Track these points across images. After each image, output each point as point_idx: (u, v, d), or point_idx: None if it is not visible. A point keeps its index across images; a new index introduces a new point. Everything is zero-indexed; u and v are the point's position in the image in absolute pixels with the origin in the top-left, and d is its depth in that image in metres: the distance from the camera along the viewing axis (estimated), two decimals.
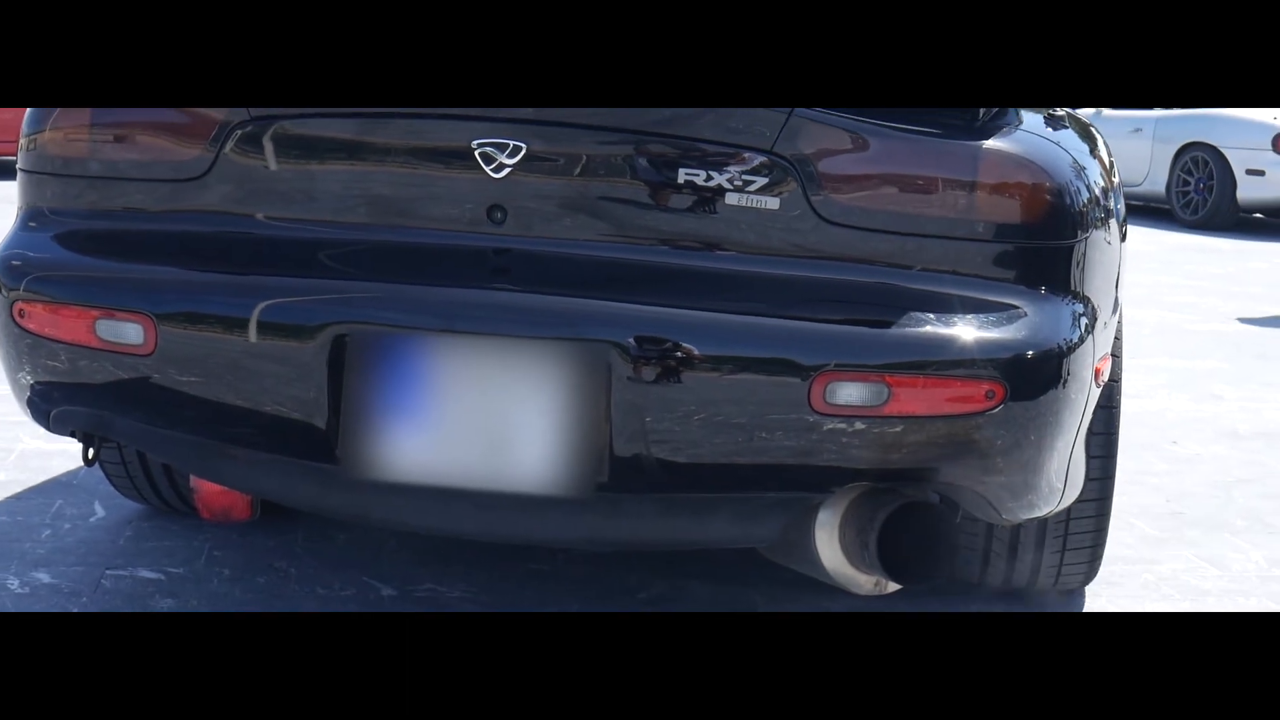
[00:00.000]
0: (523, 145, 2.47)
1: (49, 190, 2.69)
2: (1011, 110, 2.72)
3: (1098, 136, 3.09)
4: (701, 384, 2.43)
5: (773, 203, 2.47)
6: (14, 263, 2.64)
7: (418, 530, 2.93)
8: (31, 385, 2.70)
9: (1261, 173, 11.82)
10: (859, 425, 2.42)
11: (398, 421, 2.49)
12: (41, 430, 4.08)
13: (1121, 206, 2.99)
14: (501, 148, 2.47)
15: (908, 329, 2.43)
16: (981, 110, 2.57)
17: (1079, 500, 2.92)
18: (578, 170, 2.50)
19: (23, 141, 2.70)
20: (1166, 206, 12.56)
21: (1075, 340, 2.53)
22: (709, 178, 2.47)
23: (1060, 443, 2.57)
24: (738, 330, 2.43)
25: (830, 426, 2.42)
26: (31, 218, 2.71)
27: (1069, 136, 2.81)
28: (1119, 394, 3.03)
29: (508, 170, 2.48)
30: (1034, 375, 2.47)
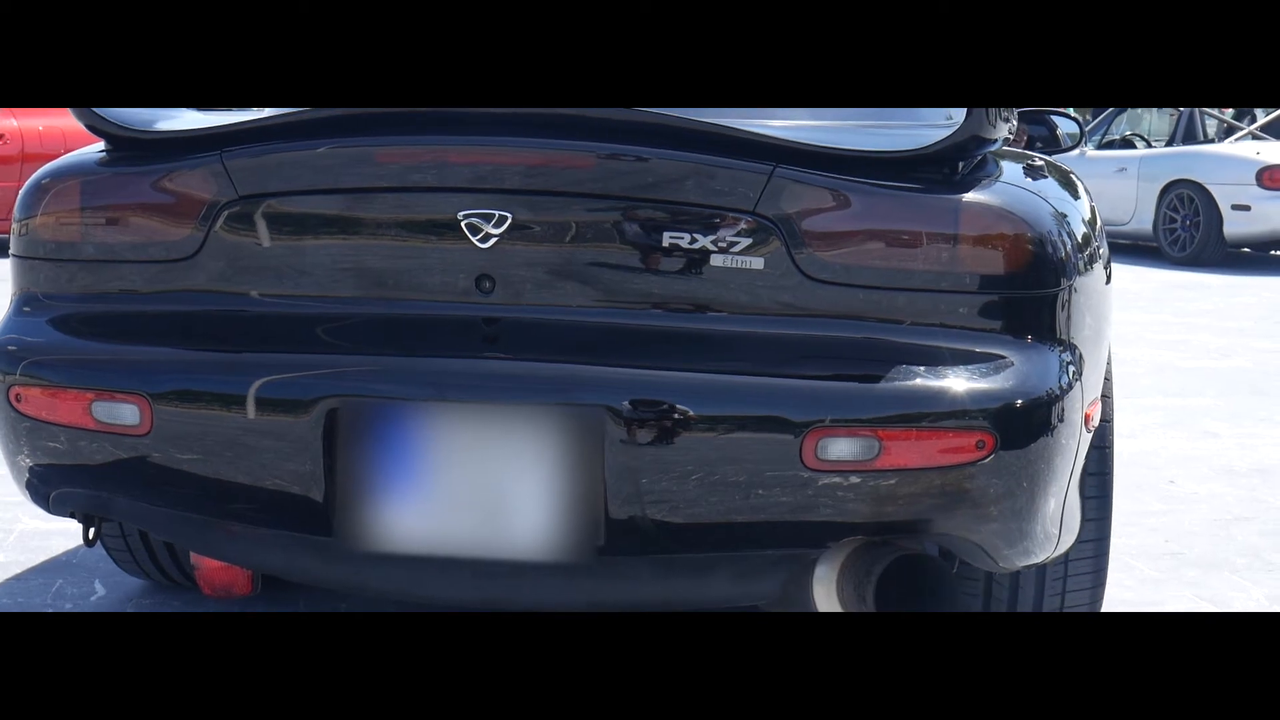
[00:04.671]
0: (508, 215, 2.50)
1: (42, 274, 2.73)
2: (991, 161, 2.75)
3: (1078, 183, 3.12)
4: (694, 444, 2.45)
5: (757, 262, 2.50)
6: (9, 348, 2.69)
7: (416, 601, 2.96)
8: (30, 468, 2.74)
9: (1247, 208, 11.85)
10: (852, 480, 2.45)
11: (393, 492, 2.51)
12: (40, 510, 4.08)
13: (1105, 250, 3.02)
14: (487, 218, 2.50)
15: (896, 382, 2.46)
16: (960, 163, 2.60)
17: (1077, 541, 2.93)
18: (563, 238, 2.53)
19: (15, 226, 2.76)
20: (1154, 244, 12.60)
21: (1063, 387, 2.55)
22: (693, 240, 2.50)
23: (1053, 489, 2.59)
24: (728, 390, 2.46)
25: (824, 482, 2.45)
26: (25, 302, 2.74)
27: (1049, 185, 2.84)
28: (1111, 434, 3.05)
29: (494, 240, 2.51)
30: (1024, 424, 2.49)
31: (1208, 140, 12.87)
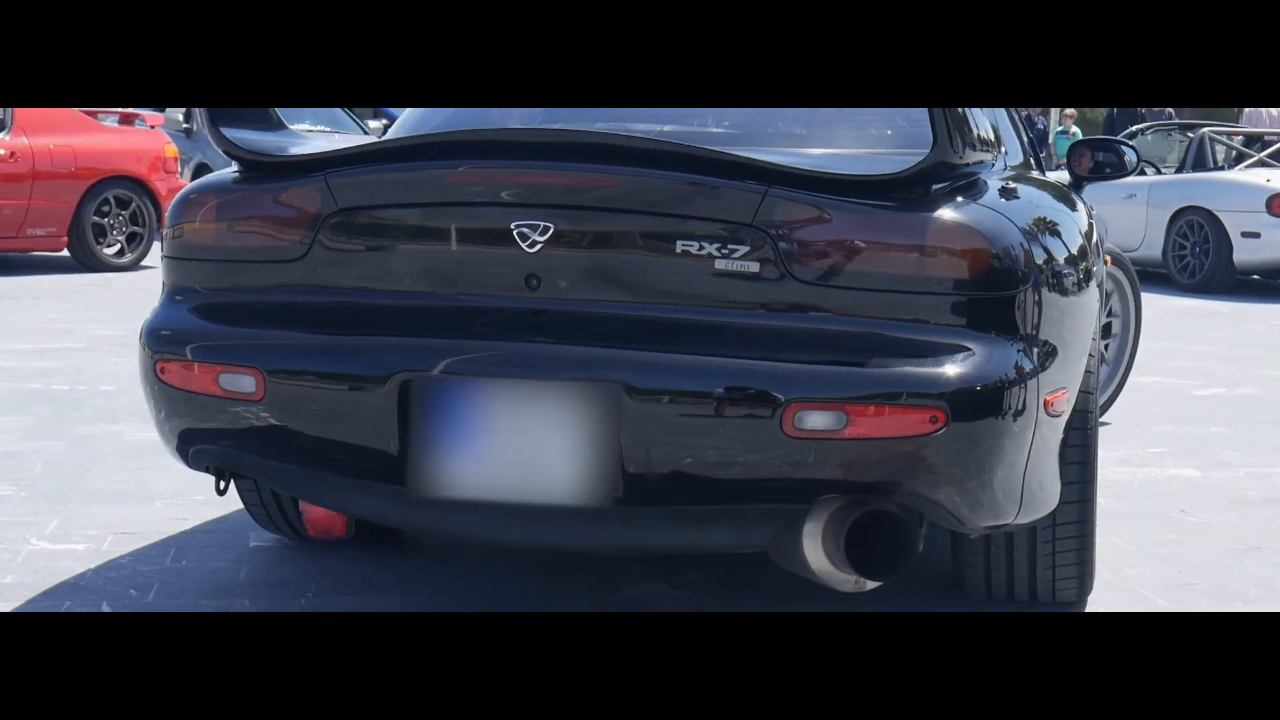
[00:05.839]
0: (551, 225, 2.99)
1: (187, 272, 3.32)
2: (977, 184, 3.19)
3: (1071, 206, 3.62)
4: (695, 414, 2.93)
5: (753, 266, 2.97)
6: (162, 332, 3.29)
7: (470, 538, 3.62)
8: (173, 429, 3.30)
9: (1257, 235, 11.84)
10: (825, 446, 2.91)
11: (454, 450, 3.02)
12: (47, 531, 4.11)
13: (1092, 264, 3.51)
14: (534, 227, 2.99)
15: (864, 367, 2.93)
16: (933, 185, 3.03)
17: (1062, 519, 3.42)
18: (594, 244, 3.03)
19: (167, 232, 3.36)
20: (1163, 271, 12.59)
21: (1016, 374, 2.99)
22: (700, 247, 2.97)
23: (1003, 461, 3.01)
24: (723, 371, 2.93)
25: (800, 448, 2.91)
26: (174, 294, 3.33)
27: (1023, 206, 3.29)
28: (1094, 424, 3.49)
29: (540, 246, 3.00)
30: (973, 403, 2.93)
31: (1217, 167, 12.84)
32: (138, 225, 11.15)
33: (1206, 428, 6.21)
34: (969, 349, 2.95)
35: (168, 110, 14.52)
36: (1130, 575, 3.99)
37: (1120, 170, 4.87)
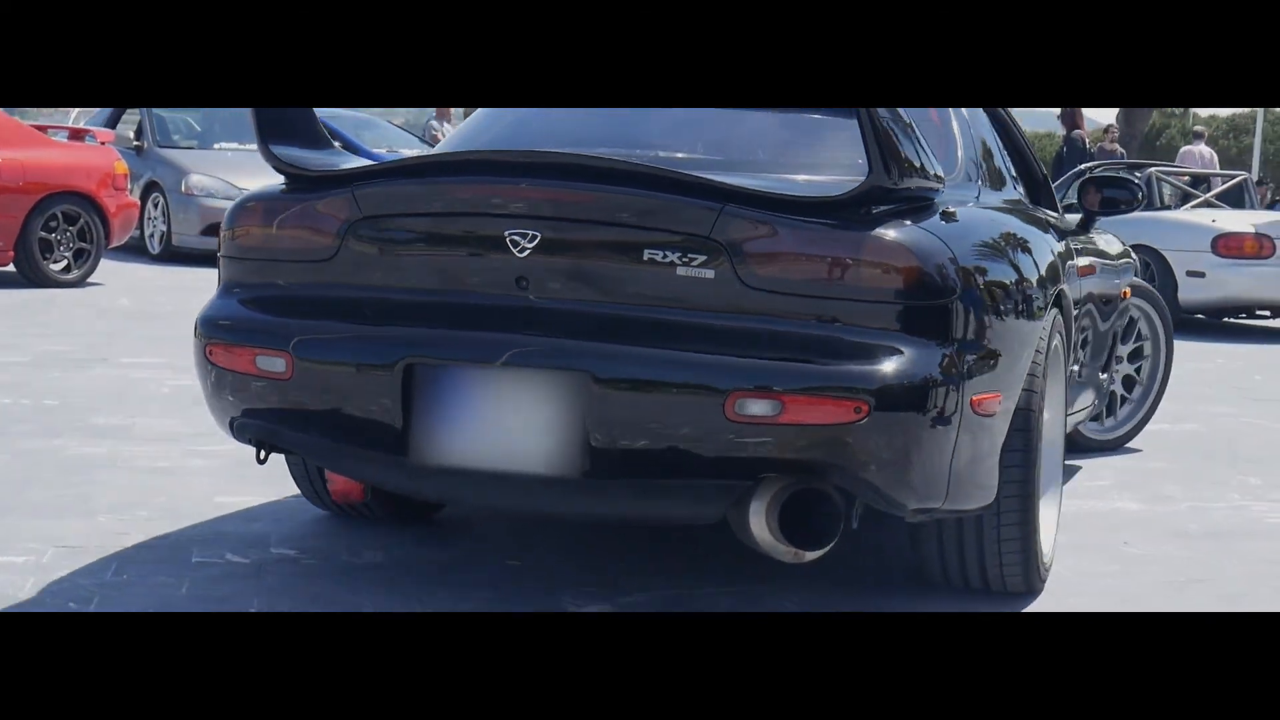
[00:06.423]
0: (538, 234, 3.44)
1: (238, 269, 3.83)
2: (923, 207, 3.56)
3: (1040, 234, 4.19)
4: (651, 399, 3.35)
5: (709, 273, 3.39)
6: (218, 320, 3.77)
7: (461, 502, 4.31)
8: (220, 405, 3.78)
9: (1202, 274, 11.95)
10: (762, 430, 3.30)
11: (449, 425, 3.47)
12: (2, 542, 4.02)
13: (1051, 288, 4.02)
14: (523, 235, 3.45)
15: (800, 362, 3.31)
16: (872, 206, 3.42)
17: (1004, 511, 3.78)
18: (574, 251, 3.47)
19: (223, 234, 3.88)
20: None
21: (940, 375, 3.37)
22: (665, 255, 3.40)
23: (926, 451, 3.38)
24: (676, 362, 3.35)
25: (741, 431, 3.30)
26: (228, 287, 3.84)
27: (964, 228, 3.68)
28: (1036, 425, 3.84)
29: (528, 251, 3.45)
30: (896, 397, 3.31)
31: (1164, 206, 12.97)
32: (85, 241, 11.05)
33: (1149, 462, 6.26)
34: (899, 350, 3.33)
35: (118, 127, 14.45)
36: (1073, 605, 4.01)
37: (1130, 205, 5.27)
